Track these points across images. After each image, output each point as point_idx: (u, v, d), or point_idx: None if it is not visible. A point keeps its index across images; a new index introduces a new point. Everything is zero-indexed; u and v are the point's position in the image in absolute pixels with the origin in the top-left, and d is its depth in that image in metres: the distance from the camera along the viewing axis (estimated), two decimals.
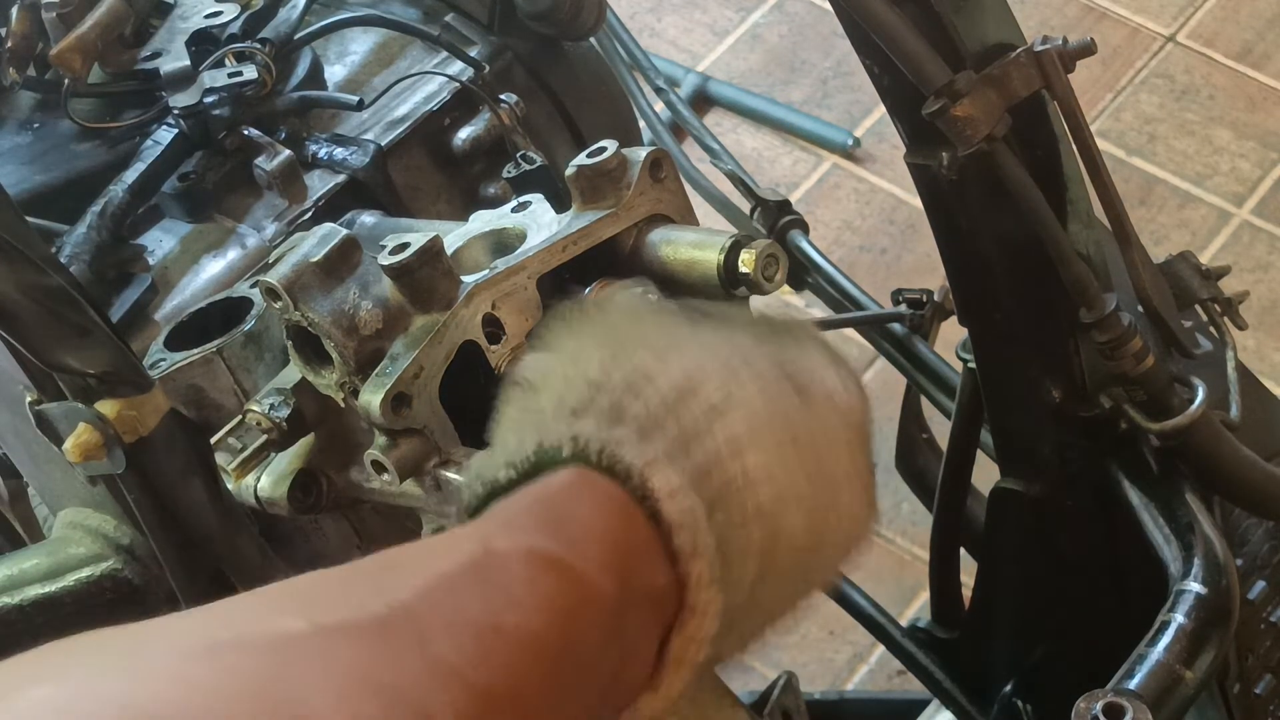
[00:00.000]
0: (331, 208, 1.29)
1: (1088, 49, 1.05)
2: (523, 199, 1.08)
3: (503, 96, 1.37)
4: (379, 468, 0.95)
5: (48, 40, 1.36)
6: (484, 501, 0.70)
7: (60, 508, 1.06)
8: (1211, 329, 1.23)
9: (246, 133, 1.30)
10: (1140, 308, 1.14)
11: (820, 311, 1.63)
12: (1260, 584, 1.26)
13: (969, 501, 1.42)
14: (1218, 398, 1.16)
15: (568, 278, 1.00)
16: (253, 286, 1.13)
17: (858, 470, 0.77)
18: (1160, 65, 2.92)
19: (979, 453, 1.38)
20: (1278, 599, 1.27)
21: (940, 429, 1.45)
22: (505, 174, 1.27)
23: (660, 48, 2.93)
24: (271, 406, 1.01)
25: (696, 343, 0.75)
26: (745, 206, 1.64)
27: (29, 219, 0.96)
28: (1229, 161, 2.79)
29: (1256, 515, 1.25)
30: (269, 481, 1.02)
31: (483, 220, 1.08)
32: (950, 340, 1.35)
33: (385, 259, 0.94)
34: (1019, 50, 1.05)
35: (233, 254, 1.28)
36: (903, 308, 1.49)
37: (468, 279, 0.97)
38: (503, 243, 1.05)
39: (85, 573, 1.02)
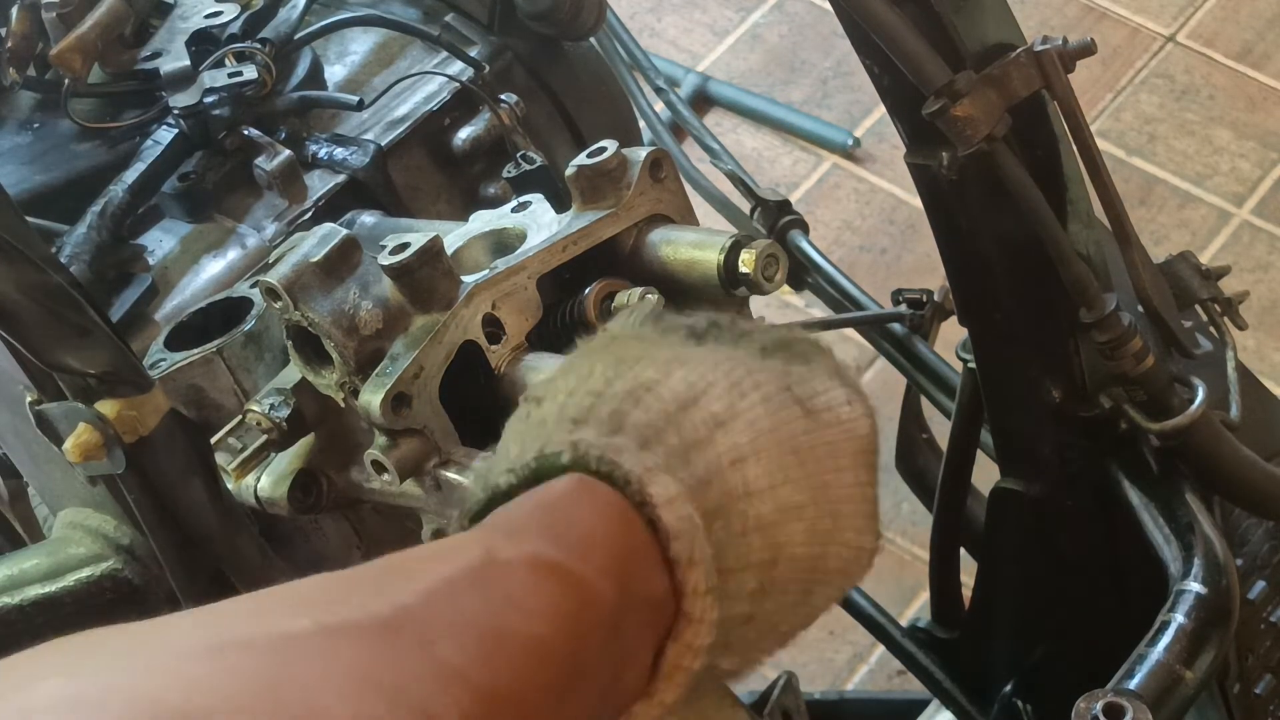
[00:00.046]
0: (331, 208, 1.29)
1: (1088, 49, 1.05)
2: (523, 199, 1.08)
3: (503, 96, 1.36)
4: (379, 468, 0.95)
5: (48, 40, 1.36)
6: (485, 506, 0.70)
7: (60, 508, 1.06)
8: (1211, 329, 1.23)
9: (246, 133, 1.30)
10: (1140, 308, 1.14)
11: (820, 311, 1.63)
12: (1260, 584, 1.26)
13: (969, 501, 1.42)
14: (1218, 398, 1.16)
15: (568, 278, 1.00)
16: (253, 286, 1.13)
17: (862, 488, 0.77)
18: (1160, 65, 2.92)
19: (979, 453, 1.38)
20: (1278, 599, 1.27)
21: (940, 429, 1.45)
22: (505, 174, 1.27)
23: (660, 48, 2.93)
24: (271, 406, 1.01)
25: (700, 356, 0.75)
26: (745, 206, 1.64)
27: (29, 219, 0.96)
28: (1229, 161, 2.79)
29: (1256, 515, 1.25)
30: (269, 481, 1.02)
31: (483, 220, 1.08)
32: (950, 340, 1.35)
33: (385, 259, 0.94)
34: (1019, 50, 1.05)
35: (233, 254, 1.28)
36: (903, 308, 1.49)
37: (468, 279, 0.97)
38: (503, 243, 1.05)
39: (85, 573, 1.02)
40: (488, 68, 1.39)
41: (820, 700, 1.96)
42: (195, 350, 1.09)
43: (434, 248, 0.95)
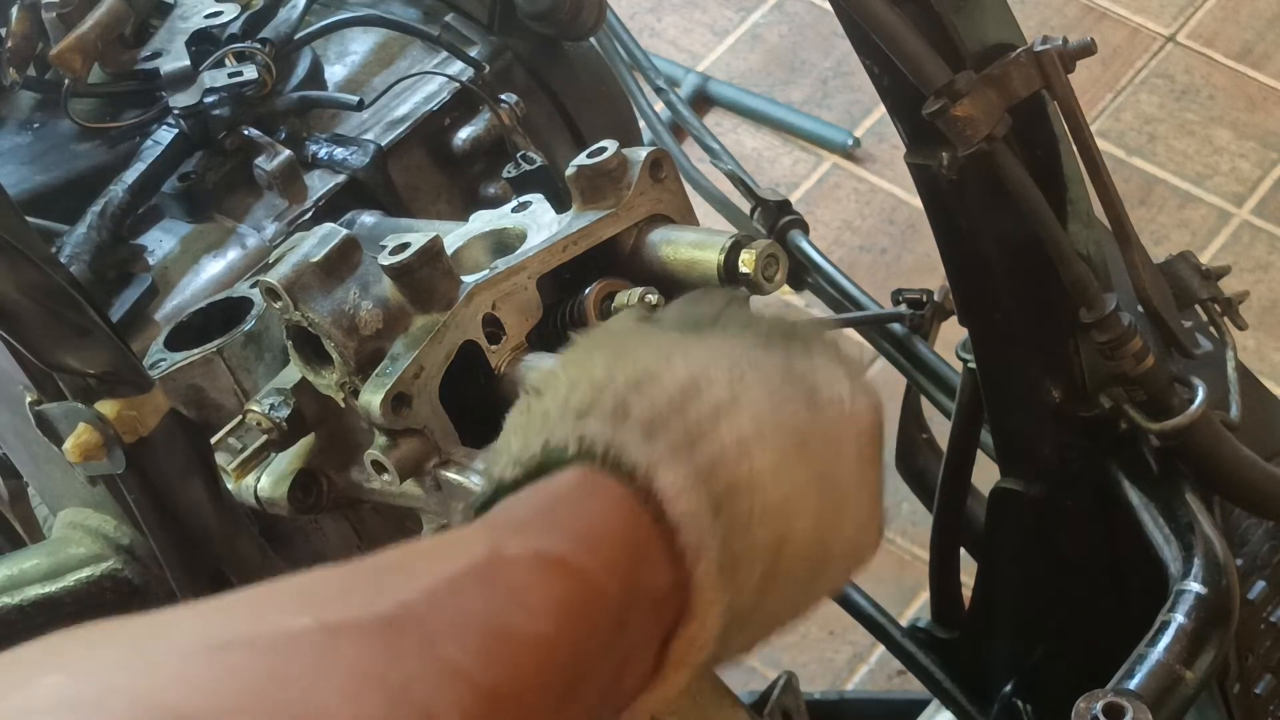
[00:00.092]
0: (331, 208, 1.29)
1: (1088, 49, 1.05)
2: (523, 199, 1.08)
3: (503, 96, 1.36)
4: (379, 468, 0.95)
5: (48, 40, 1.36)
6: (490, 499, 0.70)
7: (60, 508, 1.06)
8: (1211, 329, 1.23)
9: (246, 133, 1.30)
10: (1140, 308, 1.14)
11: (820, 311, 1.63)
12: (1260, 584, 1.26)
13: (969, 501, 1.42)
14: (1218, 398, 1.16)
15: (568, 278, 1.00)
16: (253, 286, 1.13)
17: (866, 477, 0.77)
18: (1160, 65, 2.92)
19: (979, 453, 1.38)
20: (1278, 599, 1.27)
21: (940, 429, 1.45)
22: (505, 174, 1.27)
23: (660, 48, 2.93)
24: (271, 406, 1.01)
25: (703, 345, 0.75)
26: (745, 206, 1.64)
27: (29, 219, 0.96)
28: (1229, 161, 2.79)
29: (1256, 515, 1.25)
30: (269, 481, 1.02)
31: (483, 220, 1.08)
32: (950, 340, 1.35)
33: (385, 259, 0.94)
34: (1019, 50, 1.05)
35: (233, 254, 1.28)
36: (903, 308, 1.49)
37: (468, 279, 0.97)
38: (503, 243, 1.05)
39: (85, 573, 1.02)
40: (488, 68, 1.39)
41: (820, 700, 1.96)
42: (195, 350, 1.09)
43: (434, 248, 0.95)
